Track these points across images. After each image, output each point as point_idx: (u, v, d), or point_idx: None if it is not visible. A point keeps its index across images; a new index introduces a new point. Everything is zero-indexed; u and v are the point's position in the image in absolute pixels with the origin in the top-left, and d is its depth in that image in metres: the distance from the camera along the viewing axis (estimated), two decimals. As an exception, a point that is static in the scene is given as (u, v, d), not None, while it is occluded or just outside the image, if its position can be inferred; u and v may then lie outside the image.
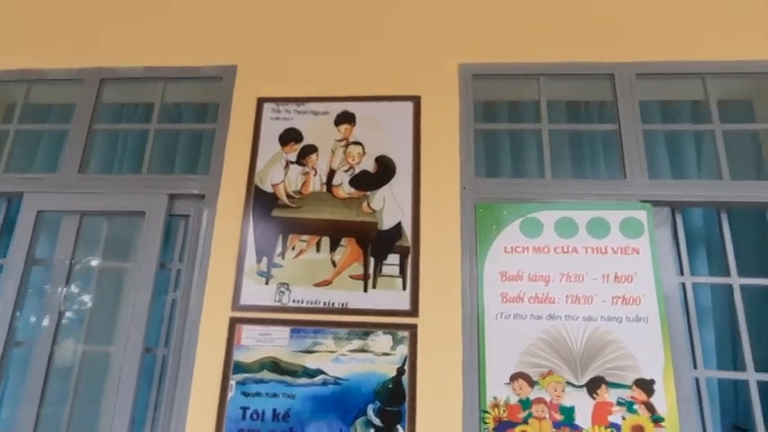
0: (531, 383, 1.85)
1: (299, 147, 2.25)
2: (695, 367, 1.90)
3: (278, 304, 2.03)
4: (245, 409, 1.90)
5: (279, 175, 2.21)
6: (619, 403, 1.80)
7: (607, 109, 2.48)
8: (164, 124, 2.45)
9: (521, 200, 2.06)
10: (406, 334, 1.93)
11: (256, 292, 2.05)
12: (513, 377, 1.86)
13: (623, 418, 1.79)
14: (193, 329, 2.02)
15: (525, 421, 1.81)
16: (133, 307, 2.09)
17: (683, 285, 2.00)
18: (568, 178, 2.45)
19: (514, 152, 2.59)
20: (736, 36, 2.22)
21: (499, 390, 1.85)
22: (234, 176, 2.22)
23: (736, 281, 1.96)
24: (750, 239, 2.32)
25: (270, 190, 2.19)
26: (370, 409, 1.86)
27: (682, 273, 2.02)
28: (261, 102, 2.32)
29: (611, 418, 1.79)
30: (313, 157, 2.23)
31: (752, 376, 1.85)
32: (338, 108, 2.28)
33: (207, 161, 2.39)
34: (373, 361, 1.91)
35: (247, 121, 2.30)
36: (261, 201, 2.17)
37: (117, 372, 2.03)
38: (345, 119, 2.27)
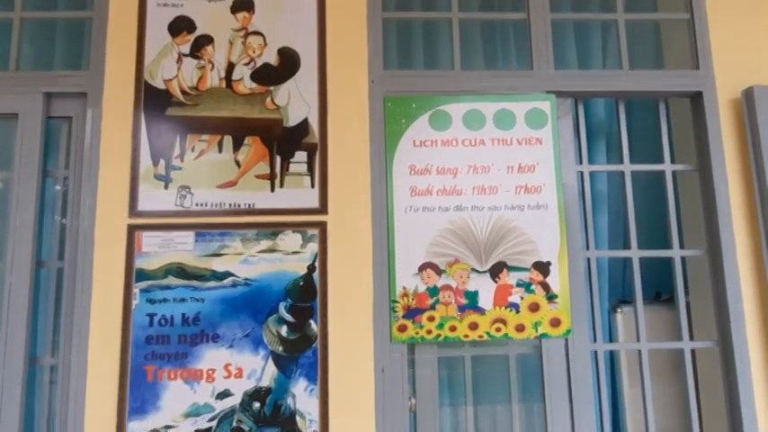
0: (439, 272, 1.92)
1: (192, 37, 2.03)
2: (587, 248, 2.04)
3: (180, 208, 1.92)
4: (152, 315, 1.85)
5: (171, 70, 2.01)
6: (518, 285, 1.92)
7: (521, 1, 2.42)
8: (28, 12, 2.12)
9: (430, 92, 2.01)
10: (315, 231, 1.91)
11: (155, 197, 1.92)
12: (422, 267, 1.92)
13: (521, 298, 1.91)
14: (88, 239, 1.89)
15: (433, 307, 1.90)
16: (16, 218, 1.91)
17: (581, 174, 2.09)
18: (478, 70, 2.41)
19: (427, 43, 2.49)
20: None
21: (408, 280, 1.91)
22: (119, 72, 1.99)
23: (627, 167, 2.07)
24: (647, 128, 2.44)
25: (162, 86, 1.99)
26: (281, 307, 1.86)
27: (581, 162, 2.10)
28: (143, -15, 2.05)
29: (511, 299, 1.91)
30: (209, 49, 2.03)
31: (635, 254, 2.01)
32: (234, -7, 2.06)
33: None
34: (283, 260, 1.89)
35: (130, 8, 2.04)
36: (153, 98, 1.98)
37: (7, 288, 1.89)
38: (243, 5, 2.06)
